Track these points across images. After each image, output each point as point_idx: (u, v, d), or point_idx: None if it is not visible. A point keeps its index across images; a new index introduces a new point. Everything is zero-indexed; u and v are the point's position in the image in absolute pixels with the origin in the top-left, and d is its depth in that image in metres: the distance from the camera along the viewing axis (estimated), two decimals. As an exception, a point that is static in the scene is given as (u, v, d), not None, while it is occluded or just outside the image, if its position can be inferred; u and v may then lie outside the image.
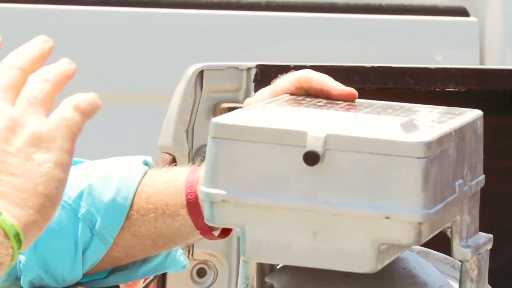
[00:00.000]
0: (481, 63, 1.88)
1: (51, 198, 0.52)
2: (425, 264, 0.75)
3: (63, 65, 0.55)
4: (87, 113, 0.53)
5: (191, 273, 1.14)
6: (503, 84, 1.23)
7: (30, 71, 0.54)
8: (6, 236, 0.51)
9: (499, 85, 1.24)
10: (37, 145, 0.51)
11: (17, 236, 0.52)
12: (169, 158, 1.12)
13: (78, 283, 0.78)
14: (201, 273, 1.12)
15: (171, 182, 0.81)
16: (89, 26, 1.82)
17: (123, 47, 1.88)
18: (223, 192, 0.62)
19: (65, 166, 0.53)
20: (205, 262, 1.12)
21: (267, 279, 0.70)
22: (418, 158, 0.61)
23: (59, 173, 0.52)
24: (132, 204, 0.80)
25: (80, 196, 0.80)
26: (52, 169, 0.51)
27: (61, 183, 0.53)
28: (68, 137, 0.52)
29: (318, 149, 0.61)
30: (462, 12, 1.85)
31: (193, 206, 0.77)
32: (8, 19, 1.83)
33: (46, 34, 0.61)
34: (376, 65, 1.25)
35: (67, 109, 0.52)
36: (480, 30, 1.83)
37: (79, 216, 0.81)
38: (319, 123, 0.64)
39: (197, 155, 1.15)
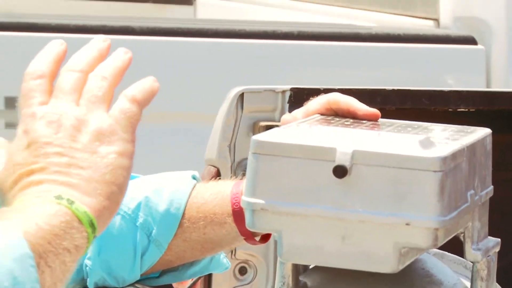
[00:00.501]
0: (488, 86, 1.96)
1: (118, 185, 0.56)
2: (440, 264, 0.79)
3: (119, 56, 0.59)
4: (144, 102, 0.57)
5: (233, 271, 1.19)
6: (509, 105, 1.29)
7: (90, 71, 0.58)
8: (80, 222, 0.56)
9: (505, 105, 1.29)
10: (101, 139, 0.55)
11: (90, 222, 0.56)
12: (214, 170, 1.18)
13: (135, 282, 0.83)
14: (242, 271, 1.18)
15: (218, 194, 0.86)
16: (144, 53, 1.96)
17: (177, 73, 2.03)
18: (262, 201, 0.67)
19: (128, 155, 0.57)
20: (246, 261, 1.17)
21: (301, 278, 0.74)
22: (435, 171, 0.65)
23: (124, 162, 0.56)
24: (184, 214, 0.85)
25: (138, 207, 0.85)
26: (116, 159, 0.55)
27: (127, 170, 0.57)
28: (128, 128, 0.56)
29: (346, 163, 0.65)
30: (470, 40, 1.95)
31: (238, 215, 0.82)
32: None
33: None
34: (395, 88, 1.30)
35: (124, 102, 0.56)
36: (486, 57, 1.93)
37: (137, 224, 0.86)
38: (346, 140, 0.69)
39: (238, 167, 1.21)
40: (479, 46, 1.98)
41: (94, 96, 0.56)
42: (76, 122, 0.55)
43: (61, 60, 0.61)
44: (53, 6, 3.18)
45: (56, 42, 0.61)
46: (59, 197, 0.56)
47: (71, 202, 0.56)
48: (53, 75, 0.60)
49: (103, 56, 0.59)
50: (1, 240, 0.53)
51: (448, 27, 2.06)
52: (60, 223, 0.56)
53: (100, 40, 0.60)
